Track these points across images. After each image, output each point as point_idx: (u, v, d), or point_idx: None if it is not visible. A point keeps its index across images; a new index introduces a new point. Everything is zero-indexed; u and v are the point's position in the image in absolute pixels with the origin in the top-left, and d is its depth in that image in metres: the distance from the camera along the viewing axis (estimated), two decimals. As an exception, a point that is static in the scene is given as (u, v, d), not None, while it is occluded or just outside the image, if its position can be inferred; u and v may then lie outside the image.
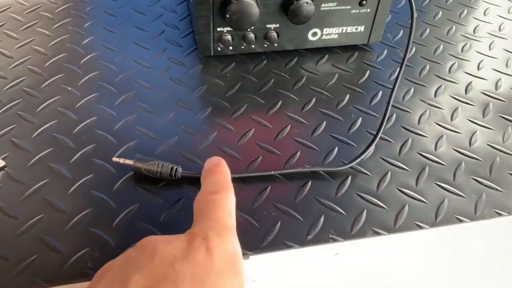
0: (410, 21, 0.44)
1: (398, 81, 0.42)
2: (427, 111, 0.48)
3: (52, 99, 0.46)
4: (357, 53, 0.54)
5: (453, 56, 0.55)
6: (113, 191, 0.39)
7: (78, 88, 0.48)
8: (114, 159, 0.39)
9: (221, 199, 0.33)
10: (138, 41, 0.54)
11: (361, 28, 0.53)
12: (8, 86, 0.47)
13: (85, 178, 0.39)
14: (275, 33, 0.51)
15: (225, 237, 0.30)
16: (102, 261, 0.34)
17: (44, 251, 0.35)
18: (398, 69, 0.43)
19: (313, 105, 0.48)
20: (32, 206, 0.37)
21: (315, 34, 0.52)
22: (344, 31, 0.53)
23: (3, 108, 0.45)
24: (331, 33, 0.53)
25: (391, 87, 0.50)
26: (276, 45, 0.52)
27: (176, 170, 0.39)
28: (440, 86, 0.51)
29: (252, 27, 0.49)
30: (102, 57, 0.52)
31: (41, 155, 0.41)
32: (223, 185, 0.34)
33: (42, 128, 0.43)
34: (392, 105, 0.48)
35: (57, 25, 0.55)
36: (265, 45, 0.52)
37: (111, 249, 0.35)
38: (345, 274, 0.39)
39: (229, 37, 0.50)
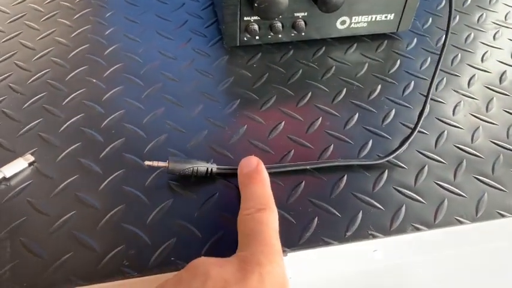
0: (448, 8, 0.42)
1: (437, 73, 0.41)
2: (461, 102, 0.47)
3: (77, 92, 0.45)
4: (386, 41, 0.53)
5: (485, 44, 0.54)
6: (145, 186, 0.38)
7: (103, 80, 0.47)
8: (147, 162, 0.37)
9: (268, 219, 0.32)
10: (161, 31, 0.53)
11: (390, 16, 0.51)
12: (32, 79, 0.46)
13: (116, 173, 0.39)
14: (303, 22, 0.49)
15: (275, 262, 0.29)
16: (138, 258, 0.33)
17: (78, 249, 0.34)
18: (437, 58, 0.42)
19: (344, 97, 0.46)
20: (64, 202, 0.37)
21: (343, 22, 0.51)
22: (373, 19, 0.51)
23: (29, 102, 0.44)
24: (360, 22, 0.51)
25: (423, 77, 0.49)
26: (303, 34, 0.51)
27: (212, 170, 0.38)
28: (473, 76, 0.50)
29: (280, 16, 0.48)
30: (126, 48, 0.50)
31: (69, 149, 0.40)
32: (267, 200, 0.34)
33: (69, 122, 0.43)
34: (424, 96, 0.47)
35: (78, 15, 0.54)
36: (293, 35, 0.51)
37: (147, 247, 0.34)
38: (383, 270, 0.39)
39: (256, 26, 0.49)
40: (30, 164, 0.39)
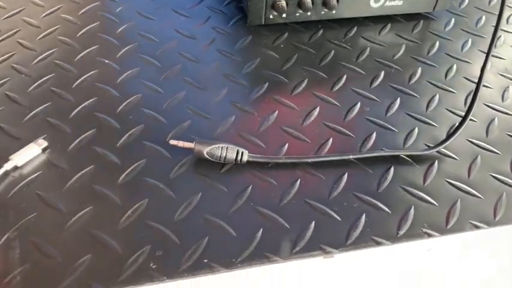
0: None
1: (490, 56, 0.36)
2: (510, 87, 0.43)
3: (89, 74, 0.41)
4: (421, 21, 0.49)
5: (528, 25, 0.50)
6: (170, 179, 0.34)
7: (117, 61, 0.42)
8: (172, 142, 0.34)
9: None
10: (177, 9, 0.48)
11: (429, -7, 0.47)
12: (37, 59, 0.42)
13: (136, 164, 0.34)
14: (335, -1, 0.45)
15: None
16: (167, 260, 0.29)
17: (97, 250, 0.30)
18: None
19: (382, 80, 0.42)
20: (78, 197, 0.32)
21: (377, 0, 0.46)
22: (411, -3, 0.47)
23: (35, 84, 0.40)
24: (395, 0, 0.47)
25: (466, 60, 0.45)
26: (334, 12, 0.46)
27: (242, 154, 0.34)
28: (519, 59, 0.46)
29: (311, -8, 0.44)
30: (140, 27, 0.46)
31: (82, 136, 0.36)
32: None
33: (81, 106, 0.38)
34: (468, 80, 0.43)
35: (85, -9, 0.50)
36: (323, 13, 0.46)
37: (176, 247, 0.30)
38: (438, 272, 0.35)
39: (283, 3, 0.44)
40: (43, 150, 0.34)
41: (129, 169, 0.34)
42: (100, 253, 0.30)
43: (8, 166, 0.33)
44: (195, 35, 0.46)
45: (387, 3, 0.47)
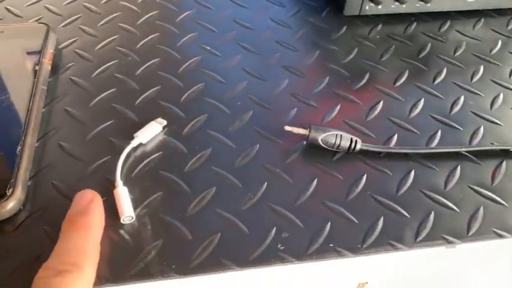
0: None
1: None
2: None
3: (193, 59, 0.42)
4: (516, 17, 0.48)
5: None
6: (284, 164, 0.34)
7: (218, 48, 0.43)
8: (287, 128, 0.35)
9: (69, 286, 0.24)
10: (269, -2, 0.49)
11: (526, -12, 0.47)
12: (141, 43, 0.43)
13: (250, 148, 0.35)
14: (432, -8, 0.45)
15: None
16: (293, 242, 0.30)
17: (226, 229, 0.31)
18: None
19: (482, 75, 0.42)
20: (200, 177, 0.33)
21: (474, -6, 0.46)
22: (508, -9, 0.46)
23: (142, 68, 0.41)
24: (492, -7, 0.47)
25: None
26: (429, 5, 0.46)
27: (356, 142, 0.35)
28: None
29: (411, -16, 0.44)
30: (235, 15, 0.47)
31: (195, 120, 0.37)
32: (79, 256, 0.26)
33: (190, 91, 0.39)
34: None
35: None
36: (417, 5, 0.46)
37: (299, 230, 0.31)
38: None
39: (381, -6, 0.45)
40: (163, 128, 0.36)
41: (244, 153, 0.35)
42: (228, 232, 0.31)
43: (134, 143, 0.34)
44: (289, 24, 0.46)
45: (483, -3, 0.47)
